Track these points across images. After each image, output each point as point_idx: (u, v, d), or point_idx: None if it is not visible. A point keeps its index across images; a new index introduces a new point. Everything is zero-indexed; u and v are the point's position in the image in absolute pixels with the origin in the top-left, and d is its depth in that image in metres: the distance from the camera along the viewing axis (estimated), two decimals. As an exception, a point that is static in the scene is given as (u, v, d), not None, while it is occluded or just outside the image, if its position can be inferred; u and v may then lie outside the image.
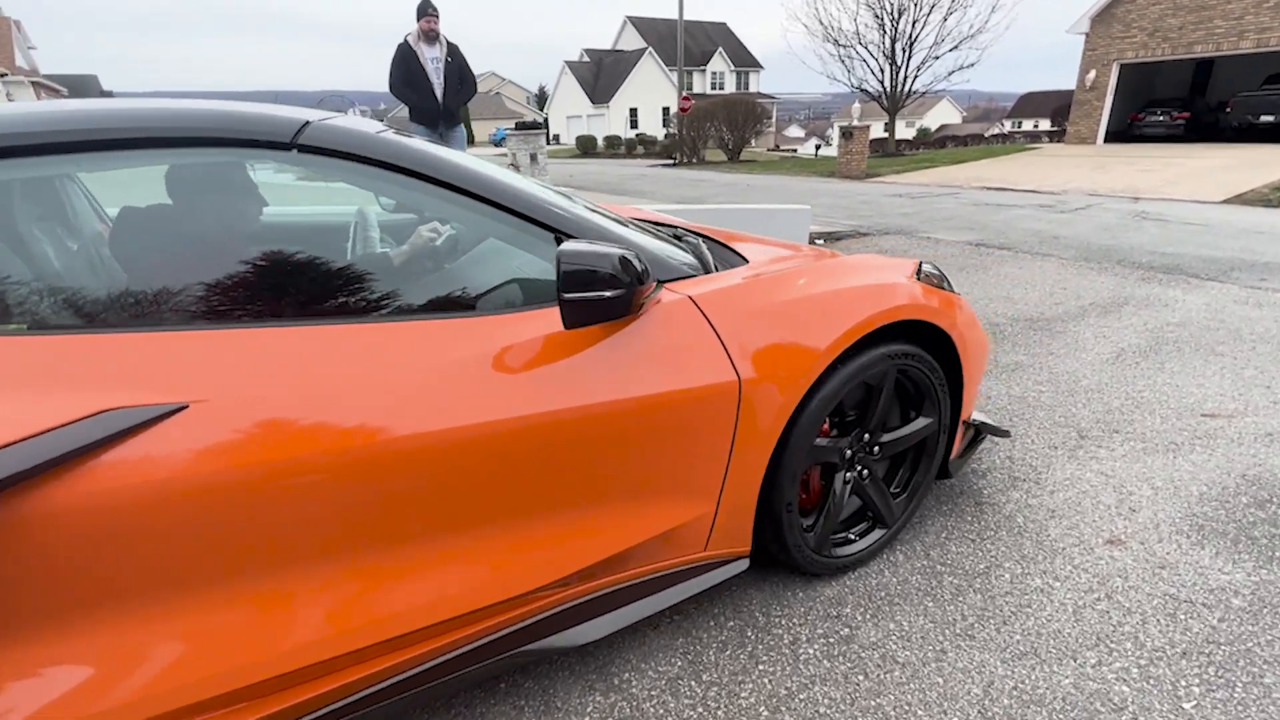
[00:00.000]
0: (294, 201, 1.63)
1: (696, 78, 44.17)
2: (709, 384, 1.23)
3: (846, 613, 1.53)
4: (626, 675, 1.37)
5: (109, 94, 44.88)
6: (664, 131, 27.49)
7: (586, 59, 48.41)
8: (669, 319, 1.22)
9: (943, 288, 1.76)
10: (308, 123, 1.06)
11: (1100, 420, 2.46)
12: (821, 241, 6.34)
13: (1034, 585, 1.60)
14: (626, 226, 1.69)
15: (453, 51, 4.91)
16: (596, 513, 1.22)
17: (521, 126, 12.06)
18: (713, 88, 43.89)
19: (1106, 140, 18.72)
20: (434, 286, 1.17)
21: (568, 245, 0.97)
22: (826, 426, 1.57)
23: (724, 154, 22.47)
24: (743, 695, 1.32)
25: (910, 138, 36.18)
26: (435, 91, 4.86)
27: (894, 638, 1.45)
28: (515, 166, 11.85)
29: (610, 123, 42.16)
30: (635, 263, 1.04)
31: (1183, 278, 4.59)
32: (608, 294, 0.97)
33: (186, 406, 0.86)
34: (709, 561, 1.42)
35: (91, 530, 0.81)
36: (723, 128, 21.66)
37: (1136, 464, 2.15)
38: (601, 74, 45.88)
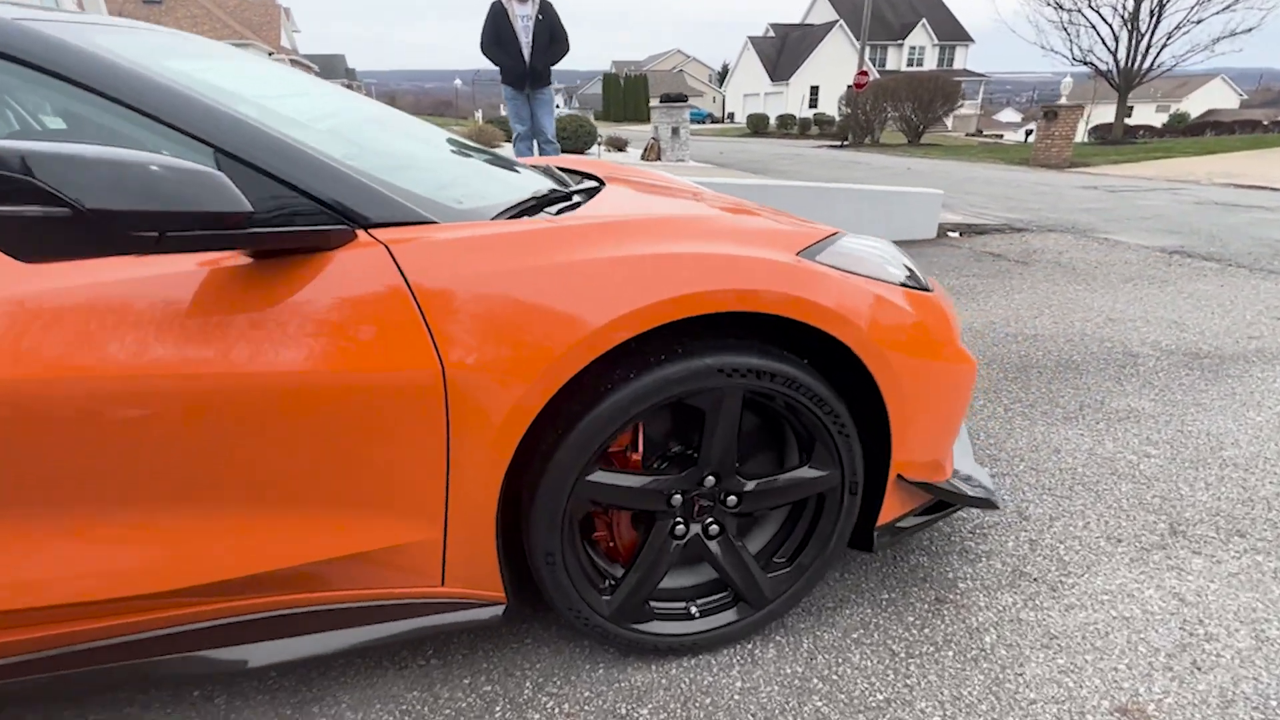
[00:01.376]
0: None
1: (891, 53, 40.40)
2: (394, 367, 0.89)
3: (642, 716, 1.10)
4: (322, 722, 1.10)
5: (352, 71, 52.36)
6: (843, 111, 25.55)
7: (771, 34, 46.48)
8: (344, 274, 0.90)
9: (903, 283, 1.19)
10: None
11: (1220, 512, 1.63)
12: (957, 234, 5.31)
13: (943, 751, 1.03)
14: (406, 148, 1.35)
15: (544, 9, 4.74)
16: (246, 514, 0.95)
17: (665, 100, 11.86)
18: (909, 64, 39.82)
19: None
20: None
21: None
22: (637, 457, 1.12)
23: (905, 136, 20.32)
24: (423, 795, 0.98)
25: (1159, 124, 29.87)
26: (524, 52, 4.75)
27: (676, 773, 1.00)
28: (656, 140, 11.71)
29: (788, 101, 40.26)
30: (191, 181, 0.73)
31: None
32: (39, 210, 0.67)
33: None
34: (449, 600, 1.09)
35: None
36: (905, 107, 19.55)
37: (1249, 593, 1.36)
38: (785, 50, 43.80)
